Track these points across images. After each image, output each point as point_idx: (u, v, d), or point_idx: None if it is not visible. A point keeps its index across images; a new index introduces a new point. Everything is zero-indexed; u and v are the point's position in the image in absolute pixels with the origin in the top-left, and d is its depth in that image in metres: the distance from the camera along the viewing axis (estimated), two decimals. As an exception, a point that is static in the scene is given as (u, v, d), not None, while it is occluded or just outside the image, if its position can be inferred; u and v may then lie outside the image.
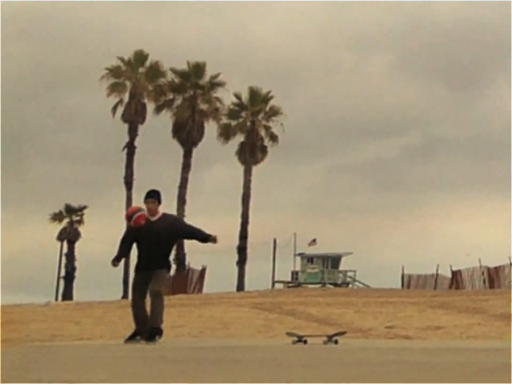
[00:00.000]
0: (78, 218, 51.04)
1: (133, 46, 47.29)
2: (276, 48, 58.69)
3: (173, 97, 46.61)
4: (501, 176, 58.54)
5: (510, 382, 4.53)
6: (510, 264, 39.11)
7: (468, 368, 6.24)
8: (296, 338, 10.92)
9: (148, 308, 11.33)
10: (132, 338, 11.47)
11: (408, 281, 46.92)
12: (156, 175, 48.21)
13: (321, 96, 58.26)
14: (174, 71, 46.73)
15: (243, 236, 47.67)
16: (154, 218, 10.97)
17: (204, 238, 11.47)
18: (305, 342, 10.64)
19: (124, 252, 11.34)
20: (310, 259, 49.46)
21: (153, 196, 11.21)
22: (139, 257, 11.50)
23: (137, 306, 11.42)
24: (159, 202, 11.20)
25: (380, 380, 5.05)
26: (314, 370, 6.09)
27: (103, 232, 47.67)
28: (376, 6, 63.21)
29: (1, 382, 4.91)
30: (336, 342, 10.55)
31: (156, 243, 11.12)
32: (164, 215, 11.40)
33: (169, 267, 11.92)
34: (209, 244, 11.22)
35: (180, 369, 5.91)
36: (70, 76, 54.56)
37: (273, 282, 48.53)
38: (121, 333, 14.88)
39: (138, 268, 11.45)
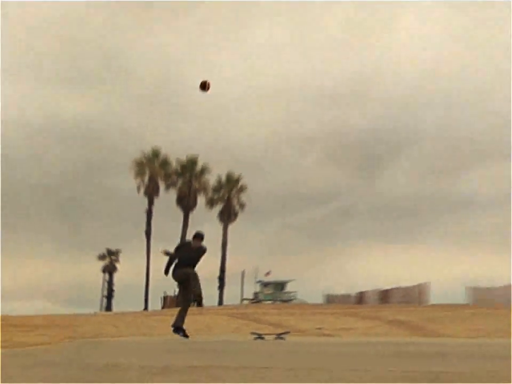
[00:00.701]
0: (115, 258, 67.83)
1: (151, 142, 64.38)
2: (245, 147, 77.68)
3: (177, 179, 62.34)
4: (397, 230, 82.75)
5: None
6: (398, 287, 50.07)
7: (370, 354, 8.12)
8: (257, 336, 13.43)
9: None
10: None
11: (331, 299, 59.45)
12: (166, 231, 61.91)
13: (274, 177, 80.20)
14: (177, 161, 62.36)
15: (222, 269, 62.20)
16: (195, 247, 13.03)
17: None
18: (263, 338, 13.08)
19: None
20: (266, 284, 62.73)
21: (199, 236, 13.49)
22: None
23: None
24: (202, 239, 13.42)
25: (313, 363, 6.59)
26: (268, 356, 7.83)
27: (132, 267, 64.07)
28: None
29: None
30: (283, 338, 13.19)
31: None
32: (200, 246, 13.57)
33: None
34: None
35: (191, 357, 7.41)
36: (107, 165, 76.12)
37: (242, 299, 62.45)
38: (144, 331, 17.86)
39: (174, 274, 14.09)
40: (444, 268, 67.37)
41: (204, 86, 13.23)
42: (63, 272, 70.36)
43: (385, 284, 48.97)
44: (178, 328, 13.12)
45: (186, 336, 13.02)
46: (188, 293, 13.09)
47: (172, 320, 13.21)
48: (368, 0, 74.47)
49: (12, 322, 17.56)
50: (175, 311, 14.33)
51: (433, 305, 38.70)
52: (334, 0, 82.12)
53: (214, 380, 5.01)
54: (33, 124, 78.34)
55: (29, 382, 4.99)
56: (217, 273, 61.41)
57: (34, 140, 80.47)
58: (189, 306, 13.40)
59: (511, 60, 71.42)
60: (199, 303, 13.49)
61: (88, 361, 6.94)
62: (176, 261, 13.05)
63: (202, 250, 13.42)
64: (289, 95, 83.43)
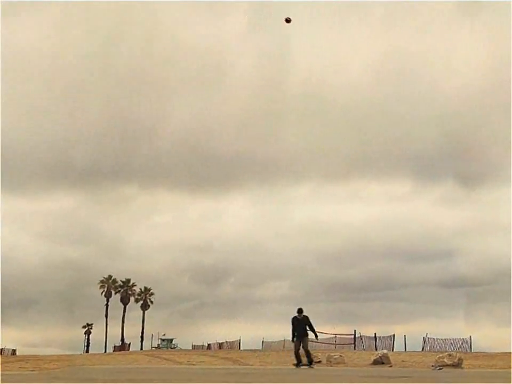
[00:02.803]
0: (90, 327, 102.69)
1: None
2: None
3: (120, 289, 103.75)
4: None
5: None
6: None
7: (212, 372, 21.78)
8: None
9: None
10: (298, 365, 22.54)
11: (195, 347, 78.64)
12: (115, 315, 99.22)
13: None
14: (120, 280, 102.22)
15: (142, 332, 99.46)
16: (300, 317, 22.65)
17: (312, 331, 23.12)
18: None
19: (293, 333, 22.94)
20: (163, 340, 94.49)
21: (300, 311, 22.90)
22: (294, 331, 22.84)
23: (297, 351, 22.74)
24: (301, 312, 22.89)
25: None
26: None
27: (99, 332, 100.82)
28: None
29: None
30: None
31: (302, 327, 22.63)
32: (304, 316, 23.00)
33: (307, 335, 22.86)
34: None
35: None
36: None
37: (152, 347, 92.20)
38: (107, 362, 27.48)
39: (294, 336, 22.86)
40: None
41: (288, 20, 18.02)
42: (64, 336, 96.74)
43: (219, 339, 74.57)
44: (300, 362, 22.61)
45: (303, 364, 22.61)
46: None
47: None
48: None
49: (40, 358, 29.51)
50: (120, 353, 26.85)
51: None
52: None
53: None
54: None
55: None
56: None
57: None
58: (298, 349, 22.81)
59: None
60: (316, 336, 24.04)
61: (80, 376, 17.00)
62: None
63: (306, 317, 22.92)
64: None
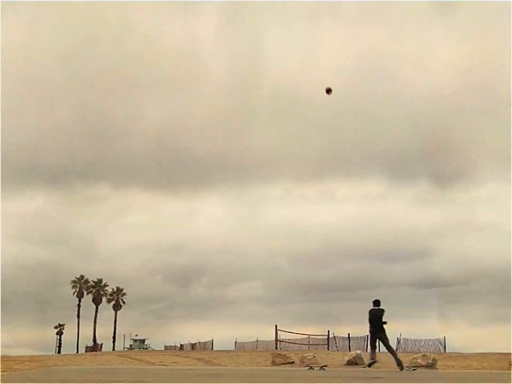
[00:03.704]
0: (62, 327, 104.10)
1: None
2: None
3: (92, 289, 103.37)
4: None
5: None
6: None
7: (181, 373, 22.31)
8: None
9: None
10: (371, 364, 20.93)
11: (167, 348, 78.11)
12: (87, 315, 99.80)
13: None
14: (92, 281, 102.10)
15: (114, 333, 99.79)
16: (374, 310, 20.45)
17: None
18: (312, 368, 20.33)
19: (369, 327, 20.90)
20: (136, 340, 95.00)
21: (376, 303, 20.87)
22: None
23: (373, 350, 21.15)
24: (377, 305, 20.89)
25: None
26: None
27: (71, 332, 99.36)
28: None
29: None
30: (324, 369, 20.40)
31: (376, 321, 20.57)
32: (379, 309, 20.85)
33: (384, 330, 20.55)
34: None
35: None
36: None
37: (124, 348, 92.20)
38: (78, 363, 27.80)
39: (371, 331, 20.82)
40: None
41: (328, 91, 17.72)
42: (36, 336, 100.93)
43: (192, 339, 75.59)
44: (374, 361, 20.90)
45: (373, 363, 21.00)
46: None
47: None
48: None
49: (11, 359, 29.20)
50: (92, 354, 26.43)
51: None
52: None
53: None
54: None
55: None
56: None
57: None
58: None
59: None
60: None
61: (51, 377, 16.04)
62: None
63: (381, 311, 20.89)
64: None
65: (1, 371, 20.25)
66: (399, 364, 20.48)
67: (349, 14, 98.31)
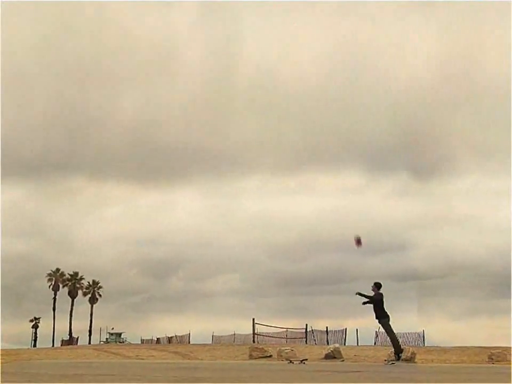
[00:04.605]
0: (37, 321, 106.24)
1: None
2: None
3: (68, 283, 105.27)
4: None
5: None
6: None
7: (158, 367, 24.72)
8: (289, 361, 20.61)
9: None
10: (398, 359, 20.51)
11: (144, 341, 79.05)
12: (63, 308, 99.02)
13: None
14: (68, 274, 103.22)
15: (90, 326, 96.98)
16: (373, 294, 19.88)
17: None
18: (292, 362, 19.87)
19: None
20: (112, 334, 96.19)
21: (376, 286, 20.45)
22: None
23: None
24: (378, 288, 20.40)
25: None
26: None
27: (46, 326, 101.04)
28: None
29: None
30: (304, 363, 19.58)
31: (378, 305, 20.10)
32: (379, 293, 20.32)
33: (385, 317, 20.33)
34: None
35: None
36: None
37: (100, 341, 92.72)
38: (53, 357, 29.14)
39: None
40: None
41: (358, 242, 17.94)
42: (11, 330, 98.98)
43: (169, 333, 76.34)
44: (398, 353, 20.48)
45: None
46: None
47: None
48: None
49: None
50: (68, 348, 26.18)
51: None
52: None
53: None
54: None
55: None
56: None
57: None
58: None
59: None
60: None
61: (27, 371, 16.17)
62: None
63: (380, 295, 20.41)
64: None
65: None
66: (396, 352, 21.06)
67: (327, 5, 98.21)
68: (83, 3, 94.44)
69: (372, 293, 20.71)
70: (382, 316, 20.62)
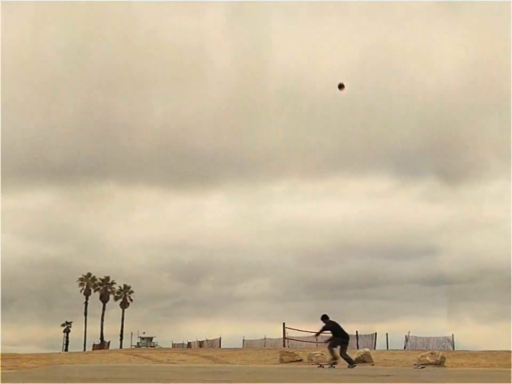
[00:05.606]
0: (69, 325, 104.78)
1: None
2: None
3: (99, 287, 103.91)
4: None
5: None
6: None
7: (189, 371, 26.85)
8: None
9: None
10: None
11: (175, 345, 78.94)
12: (94, 312, 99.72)
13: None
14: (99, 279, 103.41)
15: (121, 331, 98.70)
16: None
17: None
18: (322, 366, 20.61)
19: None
20: (143, 338, 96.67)
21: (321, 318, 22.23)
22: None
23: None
24: (326, 319, 22.31)
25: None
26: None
27: (78, 330, 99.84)
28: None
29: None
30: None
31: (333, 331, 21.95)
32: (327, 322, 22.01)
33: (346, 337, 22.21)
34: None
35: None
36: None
37: (132, 346, 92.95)
38: (86, 361, 29.85)
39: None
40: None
41: (341, 86, 17.51)
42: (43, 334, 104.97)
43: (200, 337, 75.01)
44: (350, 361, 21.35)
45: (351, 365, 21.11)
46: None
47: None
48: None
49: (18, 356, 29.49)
50: (100, 352, 26.50)
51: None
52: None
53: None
54: None
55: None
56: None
57: None
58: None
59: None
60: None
61: (56, 375, 17.71)
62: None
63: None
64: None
65: (8, 369, 20.37)
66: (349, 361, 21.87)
67: (356, 10, 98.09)
68: (113, 8, 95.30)
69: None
70: (346, 336, 22.75)
